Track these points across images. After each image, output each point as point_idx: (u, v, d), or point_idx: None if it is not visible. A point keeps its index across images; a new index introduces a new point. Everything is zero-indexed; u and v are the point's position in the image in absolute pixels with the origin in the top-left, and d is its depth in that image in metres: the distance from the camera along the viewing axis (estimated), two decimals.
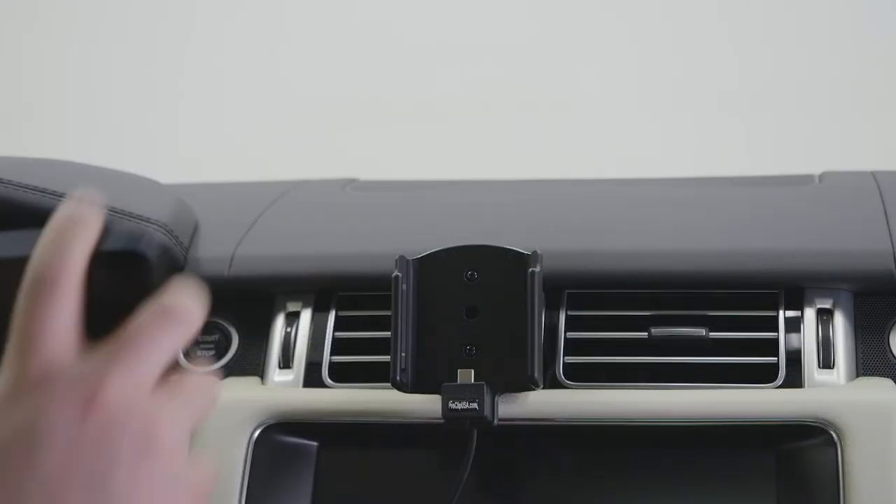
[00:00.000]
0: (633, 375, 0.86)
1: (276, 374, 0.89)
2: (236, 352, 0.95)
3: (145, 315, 0.48)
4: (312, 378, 0.88)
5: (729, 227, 0.93)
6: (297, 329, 0.90)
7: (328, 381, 0.87)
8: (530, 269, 0.77)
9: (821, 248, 0.88)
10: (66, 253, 0.47)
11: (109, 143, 1.87)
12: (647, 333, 0.87)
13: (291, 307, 0.92)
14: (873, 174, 1.02)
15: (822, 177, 1.07)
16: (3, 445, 0.45)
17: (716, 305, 0.87)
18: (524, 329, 0.78)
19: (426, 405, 0.81)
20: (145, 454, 0.46)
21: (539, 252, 0.80)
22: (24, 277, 0.47)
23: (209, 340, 0.96)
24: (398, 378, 0.79)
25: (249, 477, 0.84)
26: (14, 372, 0.47)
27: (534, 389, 0.80)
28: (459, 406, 0.77)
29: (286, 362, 0.89)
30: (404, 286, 0.80)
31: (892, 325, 0.87)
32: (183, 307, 0.48)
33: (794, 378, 0.84)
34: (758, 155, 1.75)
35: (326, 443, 0.86)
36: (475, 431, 0.77)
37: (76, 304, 0.48)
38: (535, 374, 0.78)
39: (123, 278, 0.50)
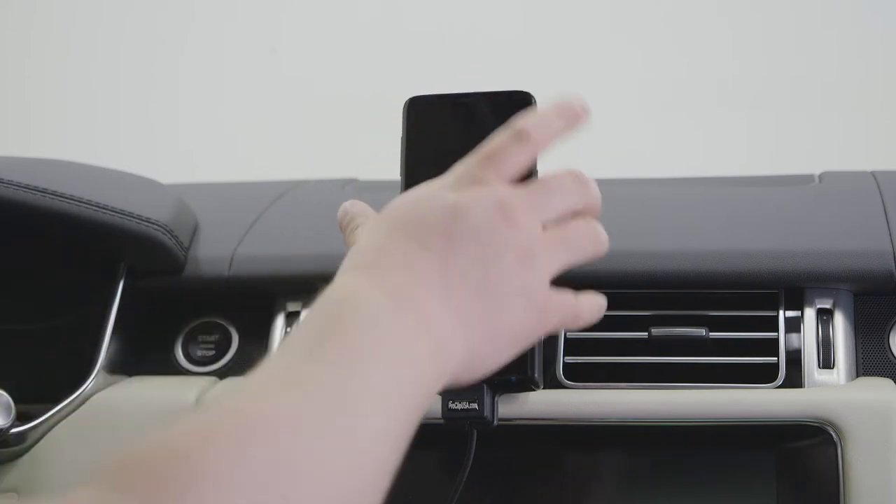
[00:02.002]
0: (633, 375, 0.85)
1: None
2: (236, 352, 0.95)
3: (564, 181, 0.60)
4: None
5: (729, 227, 0.93)
6: None
7: None
8: None
9: (821, 248, 0.88)
10: (547, 126, 0.59)
11: (109, 143, 1.87)
12: (647, 333, 0.87)
13: (291, 307, 0.92)
14: (873, 174, 1.02)
15: (822, 177, 1.07)
16: (430, 222, 0.56)
17: (716, 305, 0.87)
18: None
19: None
20: (522, 264, 0.56)
21: None
22: (511, 124, 0.59)
23: (209, 340, 0.96)
24: None
25: None
26: (462, 173, 0.58)
27: (534, 389, 0.80)
28: (459, 406, 0.77)
29: None
30: None
31: (892, 325, 0.87)
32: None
33: (794, 378, 0.84)
34: (758, 154, 1.74)
35: None
36: (475, 431, 0.77)
37: (530, 163, 0.59)
38: (535, 374, 0.77)
39: None
